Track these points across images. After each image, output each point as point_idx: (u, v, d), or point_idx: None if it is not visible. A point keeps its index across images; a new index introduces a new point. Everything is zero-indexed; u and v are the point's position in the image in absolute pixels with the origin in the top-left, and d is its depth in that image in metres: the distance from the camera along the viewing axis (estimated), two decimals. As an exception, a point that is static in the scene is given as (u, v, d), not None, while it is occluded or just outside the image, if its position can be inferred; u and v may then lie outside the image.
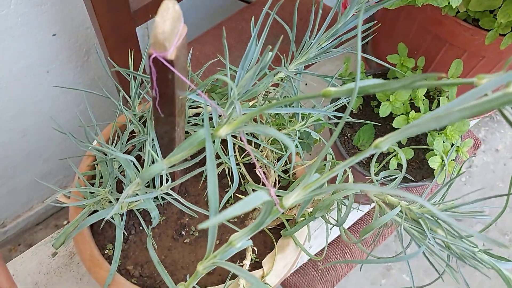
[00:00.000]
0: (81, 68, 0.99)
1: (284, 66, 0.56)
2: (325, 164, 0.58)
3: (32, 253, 0.81)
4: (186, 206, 0.49)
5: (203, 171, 0.67)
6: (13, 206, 1.26)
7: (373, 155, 0.76)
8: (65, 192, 0.53)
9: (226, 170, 0.65)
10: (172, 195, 0.49)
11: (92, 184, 0.57)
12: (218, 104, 0.61)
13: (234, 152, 0.65)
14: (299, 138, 0.60)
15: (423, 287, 0.46)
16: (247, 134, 0.62)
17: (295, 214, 0.60)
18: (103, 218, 0.57)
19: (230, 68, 0.61)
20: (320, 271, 0.86)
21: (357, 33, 0.62)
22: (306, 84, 1.00)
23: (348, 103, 0.74)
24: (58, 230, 0.85)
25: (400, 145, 0.74)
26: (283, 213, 0.62)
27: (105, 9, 0.73)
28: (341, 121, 0.34)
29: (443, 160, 0.69)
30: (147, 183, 0.54)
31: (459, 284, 0.45)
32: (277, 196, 0.61)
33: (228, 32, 1.07)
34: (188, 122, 0.62)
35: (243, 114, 0.42)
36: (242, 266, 0.57)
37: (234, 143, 0.62)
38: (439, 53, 0.75)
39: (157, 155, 0.46)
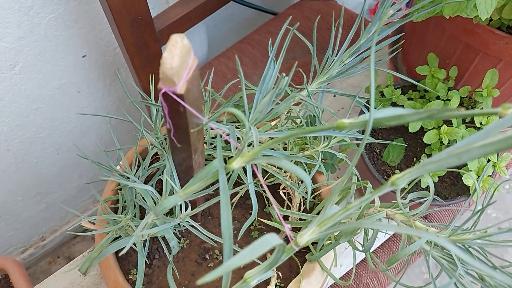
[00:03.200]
0: (110, 87, 1.01)
1: (305, 86, 0.55)
2: (350, 186, 0.56)
3: (65, 271, 0.82)
4: (204, 234, 0.48)
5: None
6: (50, 220, 1.30)
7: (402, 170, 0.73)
8: (90, 219, 0.54)
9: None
10: (190, 222, 0.48)
11: (116, 209, 0.58)
12: (239, 126, 0.61)
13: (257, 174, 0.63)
14: (322, 159, 0.58)
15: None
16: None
17: (320, 237, 0.58)
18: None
19: (250, 88, 0.60)
20: (351, 290, 0.83)
21: (382, 47, 0.60)
22: (334, 96, 0.98)
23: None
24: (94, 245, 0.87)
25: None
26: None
27: (130, 30, 0.74)
28: (361, 143, 0.32)
29: (478, 176, 0.66)
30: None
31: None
32: (295, 227, 0.60)
33: (255, 46, 1.06)
34: (211, 144, 0.62)
35: (259, 143, 0.41)
36: (266, 292, 0.55)
37: (256, 165, 0.61)
38: (472, 63, 0.72)
39: (175, 184, 0.46)
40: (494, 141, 0.26)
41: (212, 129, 0.64)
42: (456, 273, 0.41)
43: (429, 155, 0.70)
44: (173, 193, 0.45)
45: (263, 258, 0.62)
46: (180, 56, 0.32)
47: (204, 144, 0.61)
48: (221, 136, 0.57)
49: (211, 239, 0.51)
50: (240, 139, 0.53)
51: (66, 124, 1.00)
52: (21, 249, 1.32)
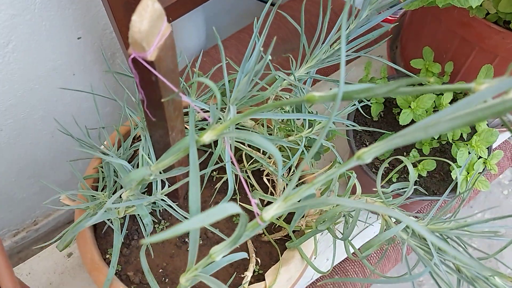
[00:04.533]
0: (106, 71, 1.00)
1: (292, 70, 0.54)
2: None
3: (49, 252, 0.82)
4: (178, 213, 0.48)
5: (213, 176, 0.66)
6: (42, 205, 1.30)
7: (394, 166, 0.72)
8: (68, 193, 0.53)
9: (234, 177, 0.63)
10: (167, 202, 0.48)
11: (97, 188, 0.57)
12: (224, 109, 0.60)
13: (242, 159, 0.63)
14: (307, 146, 0.57)
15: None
16: (255, 140, 0.59)
17: (302, 225, 0.58)
18: (106, 223, 0.57)
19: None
20: (337, 285, 0.82)
21: (373, 36, 0.59)
22: (330, 89, 0.97)
23: (365, 109, 0.70)
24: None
25: (423, 155, 0.69)
26: (289, 223, 0.59)
27: (123, 12, 0.74)
28: (330, 116, 0.31)
29: (469, 173, 0.64)
30: (146, 188, 0.53)
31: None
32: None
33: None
34: (196, 127, 0.61)
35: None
36: (244, 277, 0.55)
37: (241, 150, 0.60)
38: (468, 58, 0.70)
39: (152, 160, 0.45)
40: (461, 115, 0.25)
41: (198, 112, 0.63)
42: (432, 262, 0.40)
43: (419, 150, 0.69)
44: (149, 169, 0.44)
45: (245, 247, 0.61)
46: (150, 20, 0.32)
47: (187, 127, 0.60)
48: (205, 112, 0.56)
49: (182, 219, 0.50)
50: (221, 119, 0.52)
51: (61, 107, 1.00)
52: (13, 231, 1.32)
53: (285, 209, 0.32)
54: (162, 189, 0.47)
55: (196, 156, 0.35)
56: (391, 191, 0.51)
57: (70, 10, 0.82)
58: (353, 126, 0.56)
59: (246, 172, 0.63)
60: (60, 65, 0.91)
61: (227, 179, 0.63)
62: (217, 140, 0.56)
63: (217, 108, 0.42)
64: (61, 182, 1.24)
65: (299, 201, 0.33)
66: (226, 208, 0.27)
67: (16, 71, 0.85)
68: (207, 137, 0.37)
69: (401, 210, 0.47)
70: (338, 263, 0.84)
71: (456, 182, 0.64)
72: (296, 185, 0.61)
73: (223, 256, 0.37)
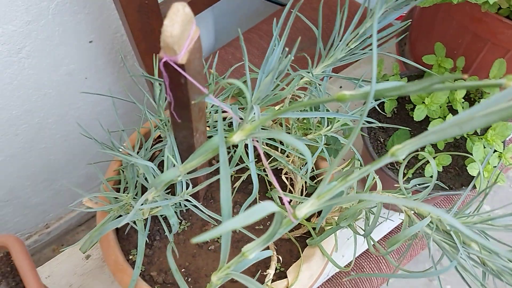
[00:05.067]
0: (118, 74, 1.01)
1: (309, 69, 0.54)
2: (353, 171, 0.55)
3: (68, 255, 0.83)
4: (205, 213, 0.48)
5: (232, 175, 0.67)
6: (57, 207, 1.31)
7: (408, 161, 0.72)
8: (91, 196, 0.54)
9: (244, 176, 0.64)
10: (192, 202, 0.48)
11: (119, 190, 0.58)
12: (244, 108, 0.60)
13: (260, 157, 0.63)
14: (326, 144, 0.58)
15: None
16: (273, 139, 0.60)
17: (322, 222, 0.58)
18: (128, 224, 0.58)
19: (255, 72, 0.60)
20: (353, 281, 0.83)
21: (388, 33, 0.60)
22: (340, 87, 0.97)
23: (378, 105, 0.71)
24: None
25: (437, 150, 0.70)
26: (309, 221, 0.60)
27: (136, 15, 0.74)
28: (363, 112, 0.32)
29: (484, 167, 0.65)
30: (169, 189, 0.54)
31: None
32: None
33: (262, 36, 1.06)
34: (214, 127, 0.61)
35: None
36: (266, 275, 0.55)
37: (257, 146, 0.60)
38: (480, 53, 0.71)
39: (176, 161, 0.46)
40: (497, 110, 0.26)
41: (216, 112, 0.64)
42: (458, 256, 0.41)
43: (433, 145, 0.70)
44: (174, 170, 0.45)
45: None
46: (181, 25, 0.32)
47: (208, 127, 0.61)
48: (223, 112, 0.57)
49: (212, 218, 0.50)
50: (243, 119, 0.53)
51: (74, 110, 1.01)
52: (26, 235, 1.33)
53: (318, 206, 0.33)
54: (187, 190, 0.48)
55: (226, 156, 0.35)
56: (411, 187, 0.51)
57: (83, 15, 0.83)
58: (372, 123, 0.56)
59: (264, 171, 0.63)
60: (73, 69, 0.92)
61: (245, 179, 0.64)
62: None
63: (244, 109, 0.43)
64: (76, 185, 1.25)
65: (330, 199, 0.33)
66: (265, 207, 0.27)
67: (31, 76, 0.86)
68: (236, 137, 0.37)
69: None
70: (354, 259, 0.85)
71: (474, 177, 0.65)
72: (315, 182, 0.62)
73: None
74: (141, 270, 0.57)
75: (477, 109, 0.27)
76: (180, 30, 0.33)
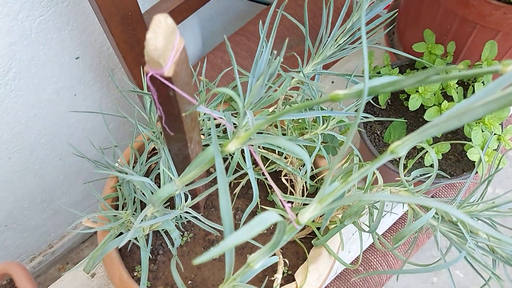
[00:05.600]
0: (107, 88, 1.00)
1: (300, 69, 0.54)
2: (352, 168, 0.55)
3: (73, 275, 0.82)
4: (206, 224, 0.47)
5: (231, 182, 0.66)
6: (58, 227, 1.30)
7: (407, 152, 0.72)
8: (90, 216, 0.53)
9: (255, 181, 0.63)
10: (192, 214, 0.47)
11: (117, 207, 0.57)
12: (235, 114, 0.60)
13: (256, 158, 0.63)
14: (323, 142, 0.57)
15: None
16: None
17: (325, 222, 0.57)
18: (130, 240, 0.57)
19: (246, 75, 0.59)
20: (362, 277, 0.82)
21: (376, 26, 0.59)
22: (332, 82, 0.96)
23: (372, 98, 0.70)
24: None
25: (435, 138, 0.69)
26: (313, 221, 0.59)
27: (120, 27, 0.73)
28: (359, 109, 0.31)
29: (482, 150, 0.64)
30: (167, 203, 0.53)
31: (508, 290, 0.41)
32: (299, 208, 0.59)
33: (250, 37, 1.05)
34: (209, 135, 0.61)
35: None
36: (274, 280, 0.54)
37: (254, 151, 0.60)
38: (470, 36, 0.70)
39: (173, 174, 0.45)
40: (495, 98, 0.25)
41: (209, 119, 0.63)
42: (466, 246, 0.40)
43: (432, 133, 0.69)
44: (171, 183, 0.44)
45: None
46: (164, 37, 0.31)
47: (202, 136, 0.60)
48: (214, 119, 0.56)
49: (215, 229, 0.50)
50: (236, 126, 0.52)
51: (66, 129, 1.00)
52: (30, 257, 1.31)
53: (321, 210, 0.32)
54: (186, 202, 0.47)
55: (223, 166, 0.35)
56: (412, 179, 0.51)
57: (66, 31, 0.82)
58: (367, 118, 0.56)
59: (263, 174, 0.62)
60: (61, 87, 0.91)
61: (245, 184, 0.63)
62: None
63: (238, 114, 0.42)
64: (73, 203, 1.24)
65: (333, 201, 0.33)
66: (267, 217, 0.27)
67: (19, 98, 0.84)
68: (232, 146, 0.36)
69: (426, 197, 0.47)
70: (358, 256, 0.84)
71: (474, 162, 0.64)
72: (315, 182, 0.61)
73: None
74: (148, 286, 0.56)
75: (475, 99, 0.26)
76: (164, 42, 0.32)
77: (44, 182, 1.08)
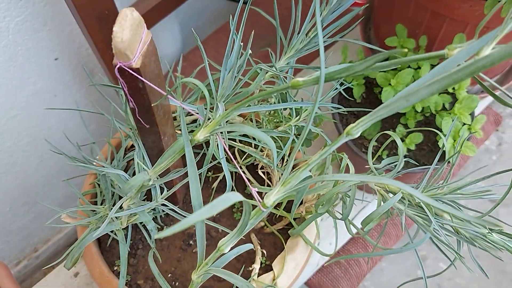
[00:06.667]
0: (87, 88, 1.00)
1: (272, 63, 0.55)
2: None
3: (55, 275, 0.82)
4: (182, 215, 0.48)
5: (209, 177, 0.67)
6: (42, 230, 1.29)
7: (382, 143, 0.73)
8: (68, 212, 0.53)
9: (233, 174, 0.64)
10: (169, 207, 0.48)
11: (96, 203, 0.58)
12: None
13: (234, 155, 0.64)
14: (297, 134, 0.59)
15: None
16: (245, 135, 0.61)
17: (302, 212, 0.59)
18: (110, 236, 0.57)
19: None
20: (343, 268, 0.84)
21: (347, 20, 0.60)
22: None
23: (347, 94, 0.72)
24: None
25: (409, 130, 0.71)
26: (289, 212, 0.60)
27: (97, 27, 0.74)
28: (312, 108, 0.32)
29: (455, 140, 0.66)
30: (145, 196, 0.54)
31: (472, 272, 0.42)
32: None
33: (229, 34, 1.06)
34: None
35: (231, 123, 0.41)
36: (252, 270, 0.56)
37: (233, 146, 0.61)
38: (440, 30, 0.72)
39: (148, 167, 0.46)
40: (438, 79, 0.27)
41: (186, 116, 0.64)
42: (431, 228, 0.42)
43: (405, 125, 0.71)
44: (146, 176, 0.45)
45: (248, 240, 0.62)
46: (131, 29, 0.32)
47: (178, 131, 0.61)
48: (189, 114, 0.57)
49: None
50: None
51: (46, 130, 1.00)
52: (14, 261, 1.31)
53: (285, 192, 0.33)
54: (161, 194, 0.48)
55: (192, 154, 0.36)
56: (383, 167, 0.52)
57: (44, 32, 0.82)
58: (338, 108, 0.57)
59: (241, 167, 0.63)
60: (40, 88, 0.91)
61: (223, 178, 0.64)
62: (208, 141, 0.57)
63: (206, 108, 0.43)
64: (56, 205, 1.24)
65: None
66: (229, 197, 0.28)
67: (-2, 99, 0.84)
68: (200, 135, 0.38)
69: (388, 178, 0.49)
70: (342, 246, 0.86)
71: (444, 151, 0.66)
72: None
73: (231, 248, 0.38)
74: (128, 280, 0.57)
75: (422, 81, 0.28)
76: (131, 34, 0.33)
77: (26, 184, 1.07)
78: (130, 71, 0.34)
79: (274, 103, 0.58)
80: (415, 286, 1.48)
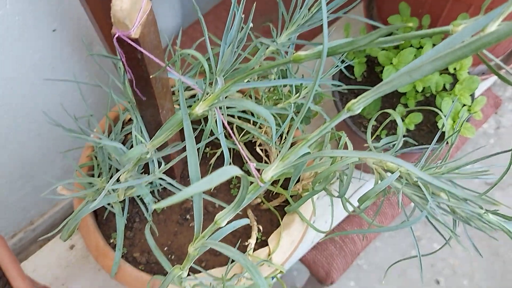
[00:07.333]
0: (85, 62, 0.99)
1: (273, 38, 0.54)
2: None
3: (50, 248, 0.82)
4: (179, 189, 0.48)
5: (206, 153, 0.67)
6: (38, 204, 1.29)
7: (381, 123, 0.73)
8: (64, 183, 0.53)
9: (231, 151, 0.64)
10: (166, 180, 0.48)
11: (93, 175, 0.58)
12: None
13: (232, 132, 0.63)
14: (296, 112, 0.58)
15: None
16: (244, 111, 0.60)
17: (298, 190, 0.59)
18: (107, 209, 0.58)
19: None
20: (338, 246, 0.85)
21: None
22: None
23: (349, 71, 0.71)
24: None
25: (409, 110, 0.71)
26: (286, 189, 0.60)
27: (96, -1, 0.73)
28: (313, 84, 0.32)
29: (454, 122, 0.66)
30: (143, 169, 0.54)
31: (467, 250, 0.43)
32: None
33: (229, 10, 1.04)
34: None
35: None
36: (248, 245, 0.56)
37: (231, 123, 0.61)
38: (444, 10, 0.71)
39: (145, 140, 0.46)
40: (442, 55, 0.26)
41: (185, 90, 0.63)
42: (427, 206, 0.42)
43: (405, 105, 0.71)
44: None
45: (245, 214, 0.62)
46: (130, -3, 0.32)
47: (177, 106, 0.61)
48: (189, 89, 0.56)
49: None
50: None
51: (43, 103, 0.99)
52: (10, 234, 1.31)
53: (283, 168, 0.33)
54: (159, 168, 0.47)
55: (191, 127, 0.35)
56: (382, 146, 0.52)
57: (42, 2, 0.81)
58: (338, 86, 0.57)
59: (239, 144, 0.63)
60: (38, 60, 0.90)
61: (220, 155, 0.64)
62: (207, 117, 0.56)
63: (205, 83, 0.42)
64: (53, 179, 1.24)
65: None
66: (228, 170, 0.27)
67: (-5, 70, 0.83)
68: (199, 109, 0.37)
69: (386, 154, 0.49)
70: (337, 225, 0.86)
71: (443, 132, 0.66)
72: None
73: (228, 223, 0.38)
74: (124, 252, 0.57)
75: (426, 58, 0.27)
76: (130, 3, 0.32)
77: (23, 158, 1.07)
78: (129, 41, 0.34)
79: (274, 79, 0.58)
80: (408, 265, 1.50)
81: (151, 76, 0.38)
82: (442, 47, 0.28)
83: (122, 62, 0.37)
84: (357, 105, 0.29)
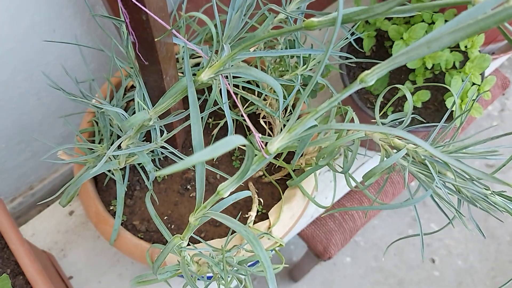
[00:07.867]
0: (88, 26, 0.97)
1: (283, 6, 0.52)
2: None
3: (50, 212, 0.82)
4: (181, 158, 0.48)
5: (209, 123, 0.66)
6: (38, 169, 1.29)
7: (388, 100, 0.72)
8: (65, 148, 0.52)
9: (234, 122, 0.63)
10: (168, 149, 0.47)
11: (94, 141, 0.57)
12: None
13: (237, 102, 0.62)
14: (303, 84, 0.57)
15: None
16: (249, 82, 0.59)
17: (301, 164, 0.58)
18: (107, 176, 0.57)
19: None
20: (337, 222, 0.85)
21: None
22: (319, 29, 0.95)
23: (357, 45, 0.69)
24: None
25: (416, 87, 0.69)
26: (289, 163, 0.60)
27: (99, -41, 0.70)
28: (324, 54, 0.31)
29: (462, 101, 0.65)
30: (144, 137, 0.53)
31: (470, 231, 0.42)
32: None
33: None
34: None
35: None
36: (248, 217, 0.56)
37: (236, 94, 0.59)
38: (459, -16, 0.69)
39: (148, 107, 0.44)
40: (463, 26, 0.25)
41: (191, 57, 0.62)
42: (433, 185, 0.41)
43: (413, 82, 0.69)
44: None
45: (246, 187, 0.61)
46: (135, -47, 0.30)
47: (181, 74, 0.59)
48: (199, 56, 0.55)
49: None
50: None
51: (43, 66, 0.97)
52: (10, 198, 1.31)
53: (290, 140, 0.32)
54: (161, 136, 0.47)
55: (195, 94, 0.34)
56: (389, 122, 0.51)
57: (43, -39, 0.78)
58: (347, 58, 0.55)
59: (242, 116, 0.62)
60: (39, 21, 0.87)
61: (223, 125, 0.63)
62: (211, 87, 0.55)
63: (211, 50, 0.41)
64: (53, 145, 1.23)
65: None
66: (232, 139, 0.26)
67: (-7, 31, 0.81)
68: (204, 75, 0.36)
69: (400, 139, 0.48)
70: (337, 201, 0.86)
71: (452, 110, 0.65)
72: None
73: (230, 194, 0.37)
74: (123, 220, 0.57)
75: (445, 28, 0.26)
76: (135, -41, 0.30)
77: (21, 122, 1.06)
78: (134, 1, 0.32)
79: (282, 49, 0.56)
80: (404, 244, 1.50)
81: (155, 39, 0.36)
82: (463, 19, 0.26)
83: (126, 24, 0.35)
84: (370, 76, 0.27)
